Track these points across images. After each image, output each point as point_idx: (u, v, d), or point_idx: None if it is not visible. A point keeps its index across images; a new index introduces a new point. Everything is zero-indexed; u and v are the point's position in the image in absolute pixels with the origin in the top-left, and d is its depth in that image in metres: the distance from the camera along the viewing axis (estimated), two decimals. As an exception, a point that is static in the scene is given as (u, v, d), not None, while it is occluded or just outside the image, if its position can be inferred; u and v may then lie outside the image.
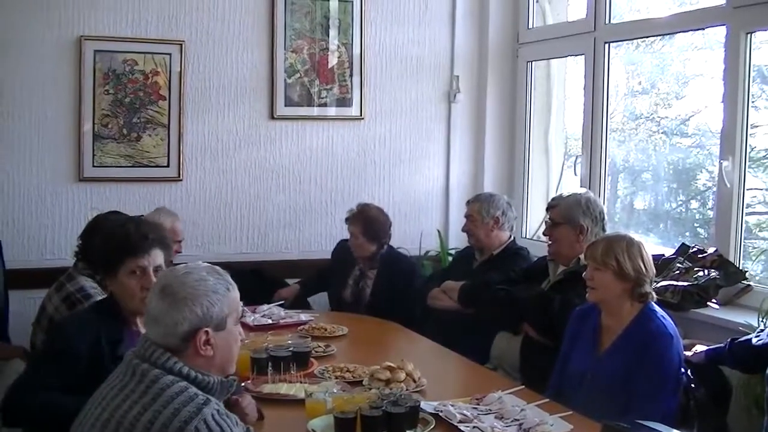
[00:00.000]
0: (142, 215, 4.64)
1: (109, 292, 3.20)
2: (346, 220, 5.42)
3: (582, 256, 4.18)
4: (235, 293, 2.43)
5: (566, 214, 4.36)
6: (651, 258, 3.62)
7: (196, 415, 2.19)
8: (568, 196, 4.47)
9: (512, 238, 5.18)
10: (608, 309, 3.61)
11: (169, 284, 2.37)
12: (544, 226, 4.55)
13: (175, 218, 5.12)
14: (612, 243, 3.59)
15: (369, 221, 5.33)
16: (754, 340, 3.55)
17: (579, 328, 3.75)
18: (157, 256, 3.18)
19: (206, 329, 2.34)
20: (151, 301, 2.39)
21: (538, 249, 5.31)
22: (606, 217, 4.43)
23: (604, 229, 4.35)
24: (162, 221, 4.83)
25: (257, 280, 5.60)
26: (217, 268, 2.45)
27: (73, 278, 4.02)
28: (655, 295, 3.61)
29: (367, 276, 5.45)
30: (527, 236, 6.41)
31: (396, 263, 5.46)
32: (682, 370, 3.50)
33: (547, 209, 4.53)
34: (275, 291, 5.50)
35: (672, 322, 3.54)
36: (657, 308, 3.59)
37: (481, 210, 5.09)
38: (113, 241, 3.22)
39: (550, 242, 4.46)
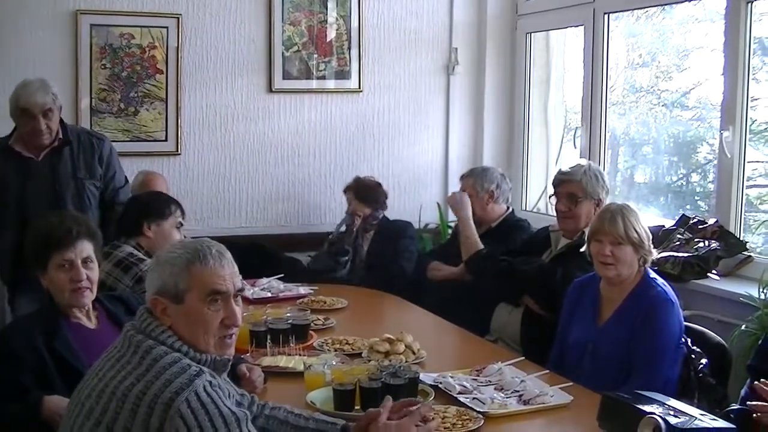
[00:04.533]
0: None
1: (45, 288, 3.18)
2: (344, 191, 5.69)
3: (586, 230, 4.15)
4: (205, 269, 2.35)
5: (588, 189, 4.24)
6: None
7: (188, 387, 2.18)
8: (580, 168, 4.34)
9: (510, 209, 5.16)
10: (617, 281, 3.56)
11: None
12: (553, 200, 4.38)
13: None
14: (626, 215, 3.52)
15: (360, 186, 5.63)
16: None
17: (578, 300, 3.73)
18: (85, 248, 3.13)
19: (159, 298, 2.35)
20: None
21: (539, 221, 5.31)
22: None
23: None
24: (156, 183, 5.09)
25: (258, 255, 5.60)
26: (205, 242, 2.42)
27: (119, 246, 4.02)
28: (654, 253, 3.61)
29: (364, 238, 5.59)
30: (527, 208, 6.39)
31: (391, 225, 5.63)
32: (683, 339, 3.50)
33: (561, 183, 4.36)
34: (274, 265, 5.49)
35: (672, 289, 3.54)
36: (655, 275, 3.59)
37: (475, 185, 5.09)
38: (38, 237, 3.19)
39: (568, 218, 4.30)
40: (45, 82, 4.47)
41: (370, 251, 5.55)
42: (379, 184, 5.68)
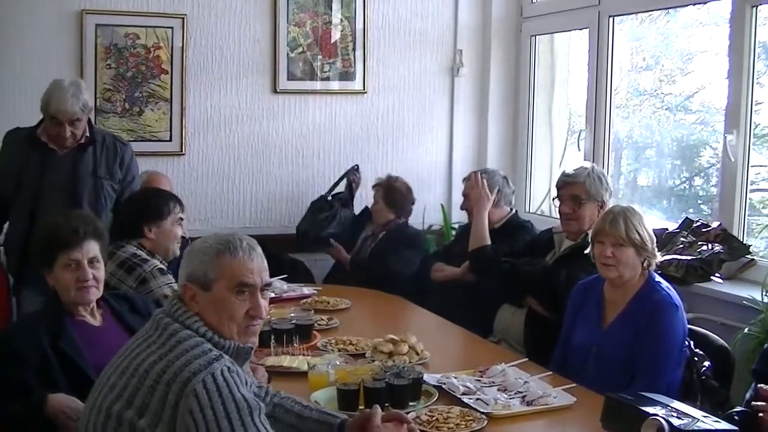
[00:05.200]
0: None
1: (51, 287, 3.19)
2: (373, 186, 5.72)
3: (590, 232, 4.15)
4: (234, 260, 2.44)
5: (592, 191, 4.25)
6: None
7: (205, 368, 2.24)
8: (583, 170, 4.34)
9: (513, 211, 5.15)
10: (619, 283, 3.57)
11: None
12: (557, 202, 4.40)
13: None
14: (628, 216, 3.52)
15: (390, 189, 5.64)
16: None
17: (582, 302, 3.73)
18: (91, 248, 3.14)
19: (189, 284, 2.43)
20: None
21: (542, 223, 5.31)
22: None
23: None
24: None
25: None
26: (238, 235, 2.50)
27: (122, 246, 3.99)
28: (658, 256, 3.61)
29: (376, 238, 5.64)
30: (531, 210, 6.39)
31: (404, 230, 5.65)
32: (686, 342, 3.50)
33: (565, 185, 4.36)
34: (278, 266, 5.48)
35: (676, 293, 3.53)
36: (660, 279, 3.59)
37: None
38: (45, 236, 3.20)
39: (572, 219, 4.30)
40: (78, 89, 4.40)
41: (375, 248, 5.57)
42: (410, 190, 5.70)
